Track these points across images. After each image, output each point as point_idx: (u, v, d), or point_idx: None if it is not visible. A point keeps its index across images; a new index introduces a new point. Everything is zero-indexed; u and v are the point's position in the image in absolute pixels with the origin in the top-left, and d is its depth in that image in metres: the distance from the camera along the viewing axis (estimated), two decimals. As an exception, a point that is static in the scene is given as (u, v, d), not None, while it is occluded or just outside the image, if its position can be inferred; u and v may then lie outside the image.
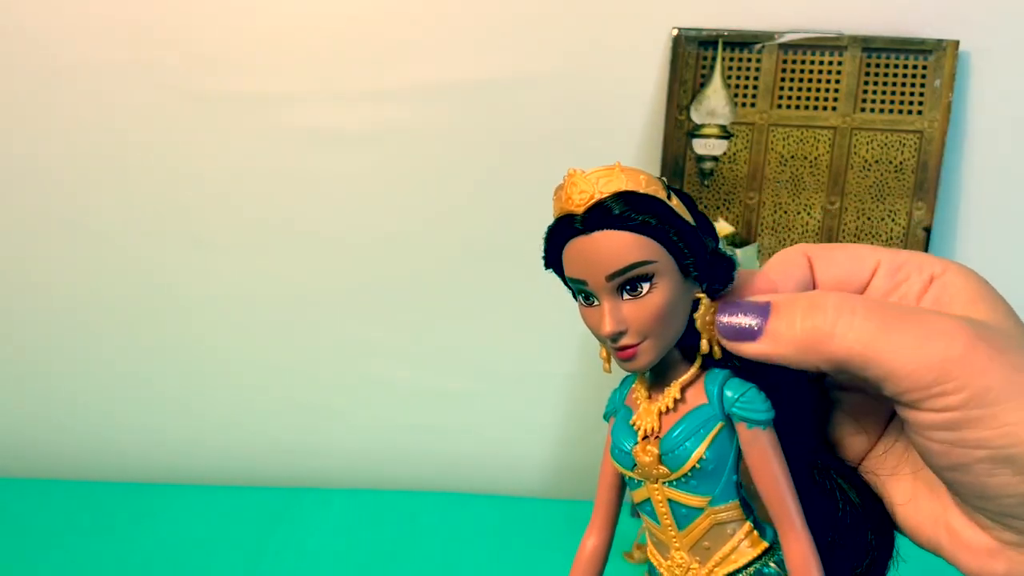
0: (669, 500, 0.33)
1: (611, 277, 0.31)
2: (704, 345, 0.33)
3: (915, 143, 0.61)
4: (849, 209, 0.62)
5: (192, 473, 0.75)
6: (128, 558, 0.65)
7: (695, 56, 0.61)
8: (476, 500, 0.72)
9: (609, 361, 0.34)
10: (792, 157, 0.62)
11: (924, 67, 0.60)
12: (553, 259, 0.34)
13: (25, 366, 0.74)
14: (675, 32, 0.61)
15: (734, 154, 0.62)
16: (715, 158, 0.62)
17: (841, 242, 0.63)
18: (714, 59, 0.61)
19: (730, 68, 0.61)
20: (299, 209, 0.68)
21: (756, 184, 0.62)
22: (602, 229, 0.31)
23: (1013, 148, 0.63)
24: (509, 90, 0.64)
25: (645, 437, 0.33)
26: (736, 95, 0.61)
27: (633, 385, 0.35)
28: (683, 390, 0.33)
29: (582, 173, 0.33)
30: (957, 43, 0.59)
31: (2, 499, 0.71)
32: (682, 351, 0.34)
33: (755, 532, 0.34)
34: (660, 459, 0.33)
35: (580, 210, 0.32)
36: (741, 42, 0.60)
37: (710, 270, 0.33)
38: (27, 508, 0.70)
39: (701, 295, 0.33)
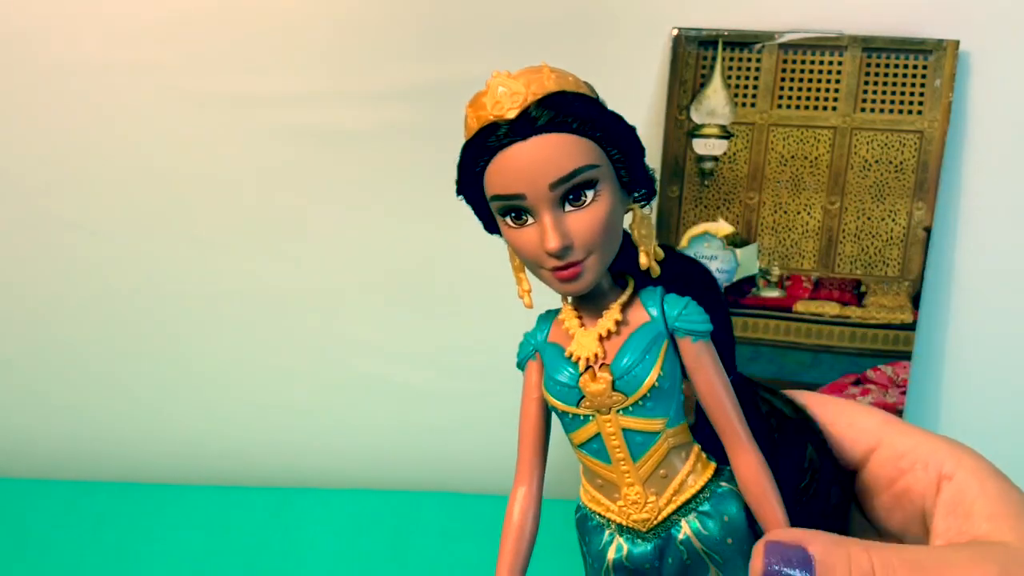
0: (624, 430, 0.31)
1: (555, 185, 0.29)
2: (643, 260, 0.31)
3: (915, 143, 0.61)
4: (849, 209, 0.62)
5: (192, 473, 0.75)
6: (128, 558, 0.65)
7: (695, 56, 0.61)
8: (476, 500, 0.72)
9: (530, 294, 0.33)
10: (792, 157, 0.62)
11: (924, 67, 0.60)
12: (468, 181, 0.31)
13: (24, 366, 0.74)
14: (675, 32, 0.61)
15: (734, 154, 0.62)
16: (715, 158, 0.62)
17: (842, 245, 0.63)
18: (714, 59, 0.61)
19: (730, 68, 0.61)
20: (299, 209, 0.68)
21: (756, 184, 0.62)
22: (542, 133, 0.29)
23: (1013, 148, 0.63)
24: (509, 90, 0.64)
25: (588, 367, 0.31)
26: (736, 95, 0.61)
27: (556, 319, 0.33)
28: (623, 311, 0.31)
29: (508, 75, 0.30)
30: (957, 43, 0.59)
31: (2, 499, 0.71)
32: (610, 273, 0.32)
33: (703, 454, 0.33)
34: (613, 385, 0.31)
35: (513, 114, 0.29)
36: (741, 42, 0.60)
37: (643, 176, 0.31)
38: (27, 508, 0.70)
39: (634, 206, 0.31)
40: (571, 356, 0.32)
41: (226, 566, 0.65)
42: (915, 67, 0.60)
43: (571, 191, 0.29)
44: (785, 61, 0.61)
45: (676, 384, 0.32)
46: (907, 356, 0.64)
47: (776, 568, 0.29)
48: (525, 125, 0.29)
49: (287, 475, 0.74)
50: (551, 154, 0.29)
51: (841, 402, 0.34)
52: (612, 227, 0.30)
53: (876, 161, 0.61)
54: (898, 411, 0.65)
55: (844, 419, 0.33)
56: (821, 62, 0.60)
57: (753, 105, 0.61)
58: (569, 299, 0.33)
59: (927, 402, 0.69)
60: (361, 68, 0.65)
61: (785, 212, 0.63)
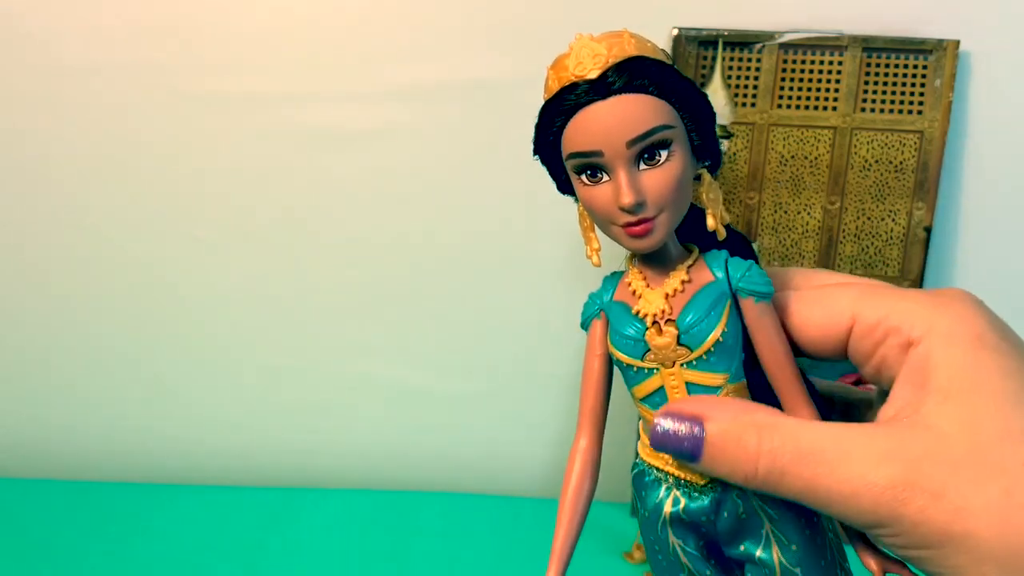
0: (687, 384, 0.32)
1: (632, 143, 0.30)
2: (711, 222, 0.33)
3: (915, 143, 0.61)
4: (849, 209, 0.62)
5: (192, 473, 0.75)
6: (128, 558, 0.65)
7: (695, 56, 0.61)
8: (476, 500, 0.72)
9: (599, 253, 0.33)
10: (792, 157, 0.62)
11: (924, 67, 0.60)
12: (545, 141, 0.32)
13: (24, 366, 0.74)
14: (675, 32, 0.61)
15: (734, 154, 0.62)
16: (715, 158, 0.62)
17: (842, 245, 0.63)
18: (714, 59, 0.61)
19: (730, 68, 0.61)
20: (299, 209, 0.68)
21: (756, 184, 0.62)
22: (621, 94, 0.30)
23: (1013, 148, 0.63)
24: (509, 90, 0.64)
25: (655, 323, 0.32)
26: (736, 95, 0.61)
27: (621, 281, 0.34)
28: (688, 271, 0.33)
29: (591, 37, 0.32)
30: (957, 43, 0.59)
31: (2, 499, 0.71)
32: (676, 234, 0.33)
33: None
34: (679, 339, 0.32)
35: (594, 75, 0.31)
36: (741, 42, 0.60)
37: (713, 144, 0.32)
38: (27, 508, 0.70)
39: (703, 171, 0.32)
40: (638, 313, 0.33)
41: (226, 566, 0.65)
42: (915, 67, 0.60)
43: (646, 150, 0.31)
44: (785, 61, 0.61)
45: (738, 342, 0.32)
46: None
47: (663, 429, 0.30)
48: (605, 85, 0.30)
49: (287, 475, 0.74)
50: (629, 113, 0.30)
51: (817, 290, 0.34)
52: (683, 187, 0.31)
53: (876, 161, 0.61)
54: None
55: (820, 306, 0.33)
56: (821, 62, 0.60)
57: (753, 105, 0.61)
58: (635, 261, 0.34)
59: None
60: (361, 68, 0.65)
61: (785, 212, 0.63)
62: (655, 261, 0.33)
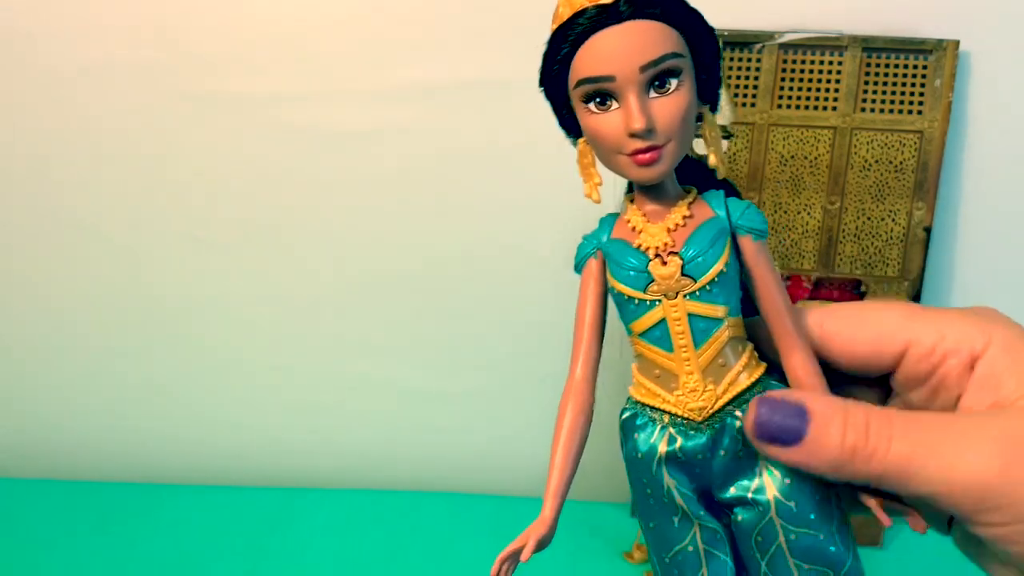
0: (689, 315, 0.32)
1: (645, 68, 0.31)
2: (713, 159, 0.33)
3: (915, 143, 0.61)
4: (849, 209, 0.62)
5: (192, 473, 0.75)
6: (128, 558, 0.65)
7: (695, 56, 0.61)
8: (476, 500, 0.72)
9: (599, 188, 0.34)
10: (792, 157, 0.62)
11: (924, 67, 0.60)
12: (551, 71, 0.32)
13: (24, 366, 0.74)
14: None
15: (734, 154, 0.62)
16: (715, 158, 0.62)
17: (842, 245, 0.63)
18: (714, 59, 0.61)
19: (730, 68, 0.61)
20: (300, 209, 0.68)
21: (756, 184, 0.62)
22: (636, 18, 0.31)
23: (1013, 148, 0.63)
24: (509, 90, 0.64)
25: (657, 255, 0.33)
26: (736, 95, 0.61)
27: (619, 220, 0.34)
28: (689, 208, 0.33)
29: None
30: (957, 43, 0.59)
31: (2, 499, 0.71)
32: (675, 175, 0.34)
33: (756, 354, 0.34)
34: (683, 269, 0.32)
35: (608, 0, 0.31)
36: (741, 42, 0.60)
37: (716, 82, 0.33)
38: (27, 508, 0.70)
39: (703, 109, 0.33)
40: (639, 247, 0.33)
41: (226, 566, 0.65)
42: (915, 67, 0.60)
43: (657, 76, 0.31)
44: (785, 61, 0.61)
45: (738, 277, 0.33)
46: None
47: (767, 420, 0.30)
48: (618, 10, 0.31)
49: (287, 475, 0.74)
50: (643, 38, 0.31)
51: (856, 310, 0.34)
52: (689, 118, 0.32)
53: (876, 161, 0.61)
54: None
55: (866, 327, 0.33)
56: (821, 62, 0.60)
57: (753, 105, 0.61)
58: (632, 201, 0.34)
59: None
60: (360, 68, 0.65)
61: (785, 212, 0.63)
62: (655, 197, 0.34)
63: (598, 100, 0.32)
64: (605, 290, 0.35)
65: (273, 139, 0.66)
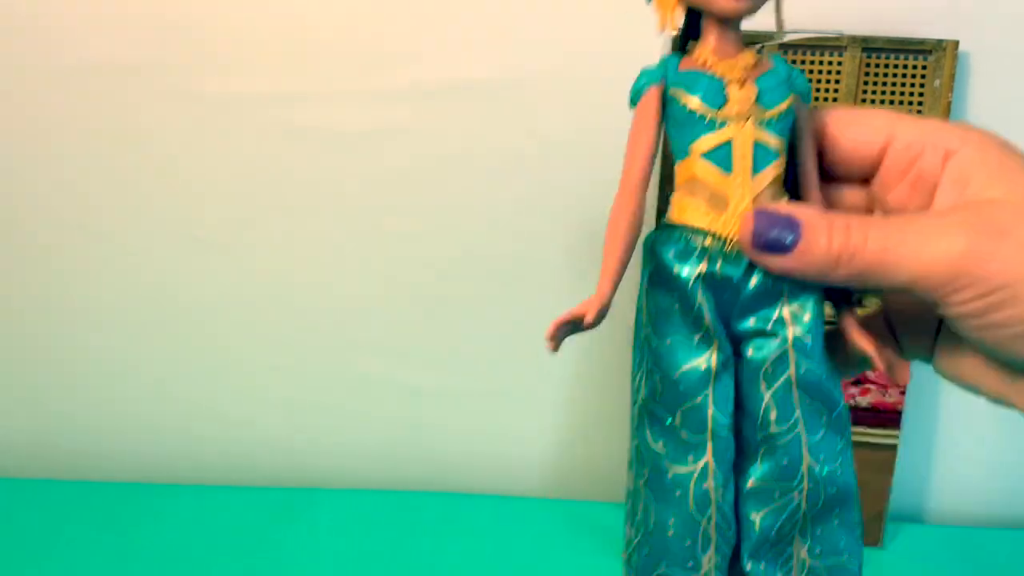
0: (755, 143, 0.34)
1: None
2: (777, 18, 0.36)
3: (915, 143, 0.61)
4: (849, 209, 0.62)
5: (192, 473, 0.75)
6: (128, 558, 0.65)
7: (695, 56, 0.61)
8: (476, 500, 0.72)
9: (673, 12, 0.36)
10: (792, 157, 0.62)
11: (924, 67, 0.60)
12: None
13: (23, 366, 0.74)
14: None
15: (734, 154, 0.62)
16: (715, 158, 0.62)
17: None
18: (714, 59, 0.61)
19: (730, 68, 0.61)
20: (300, 209, 0.68)
21: (756, 184, 0.62)
22: None
23: (1013, 148, 0.63)
24: (509, 90, 0.64)
25: (732, 83, 0.34)
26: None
27: (684, 58, 0.36)
28: (754, 56, 0.35)
29: None
30: (957, 43, 0.59)
31: (2, 499, 0.71)
32: None
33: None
34: (757, 97, 0.34)
35: None
36: (741, 42, 0.60)
37: None
38: (27, 508, 0.70)
39: None
40: (714, 73, 0.35)
41: (226, 566, 0.65)
42: (915, 67, 0.60)
43: None
44: (785, 61, 0.61)
45: (791, 123, 0.35)
46: (907, 356, 0.64)
47: (764, 230, 0.33)
48: None
49: (287, 475, 0.74)
50: None
51: (848, 109, 0.37)
52: None
53: (876, 161, 0.61)
54: (898, 411, 0.65)
55: (856, 123, 0.36)
56: (821, 62, 0.60)
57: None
58: (704, 41, 0.36)
59: (927, 402, 0.69)
60: (361, 68, 0.65)
61: (785, 212, 0.63)
62: (726, 40, 0.36)
63: None
64: (661, 119, 0.36)
65: (273, 139, 0.66)
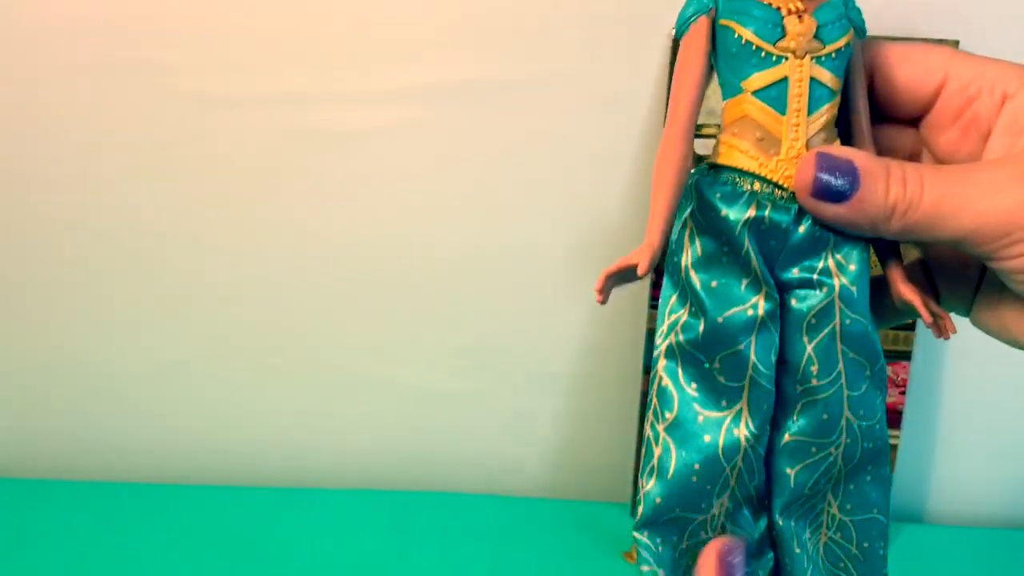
0: (811, 80, 0.32)
1: None
2: None
3: (915, 143, 0.61)
4: (849, 209, 0.62)
5: (192, 473, 0.75)
6: (128, 558, 0.65)
7: (695, 56, 0.61)
8: (476, 500, 0.72)
9: None
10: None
11: (924, 67, 0.60)
12: None
13: (23, 366, 0.74)
14: (675, 33, 0.61)
15: (734, 154, 0.62)
16: (715, 158, 0.62)
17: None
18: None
19: (730, 68, 0.61)
20: (299, 209, 0.68)
21: (756, 184, 0.62)
22: None
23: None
24: (509, 90, 0.64)
25: (791, 13, 0.32)
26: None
27: None
28: None
29: None
30: (957, 43, 0.59)
31: (2, 499, 0.71)
32: None
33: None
34: (817, 31, 0.32)
35: None
36: (741, 42, 0.60)
37: None
38: (27, 508, 0.70)
39: None
40: (770, 3, 0.33)
41: (226, 566, 0.65)
42: (915, 67, 0.60)
43: None
44: (785, 61, 0.61)
45: (848, 60, 0.33)
46: (907, 356, 0.64)
47: (825, 177, 0.31)
48: None
49: (287, 475, 0.74)
50: None
51: (905, 45, 0.36)
52: None
53: (876, 161, 0.61)
54: (898, 411, 0.65)
55: (910, 60, 0.35)
56: (821, 62, 0.60)
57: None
58: None
59: (927, 402, 0.69)
60: (361, 68, 0.65)
61: (785, 212, 0.63)
62: None
63: None
64: (710, 51, 0.34)
65: (273, 139, 0.66)
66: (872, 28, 0.60)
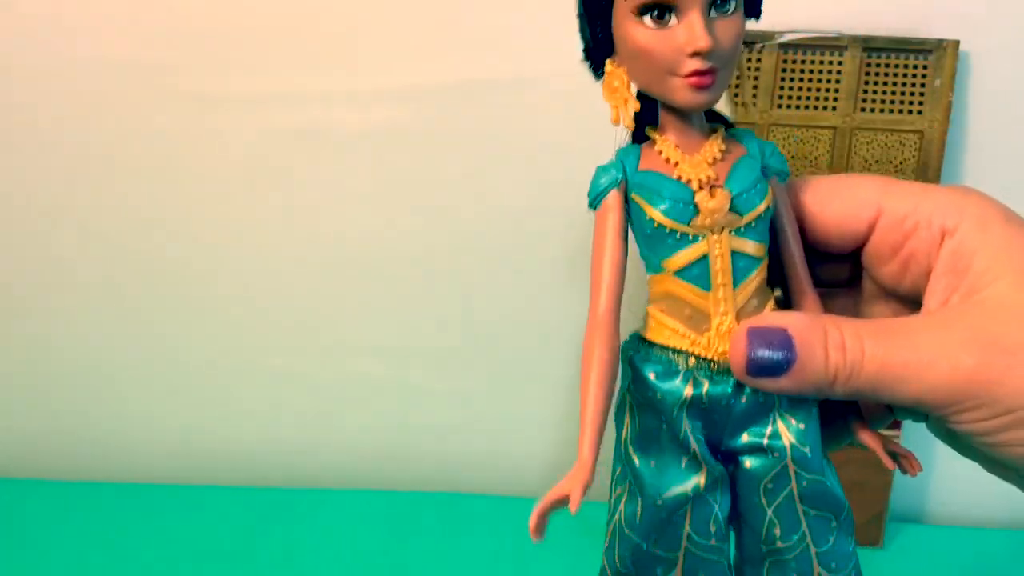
0: (732, 252, 0.31)
1: None
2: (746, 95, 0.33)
3: (915, 143, 0.61)
4: (849, 209, 0.62)
5: (192, 473, 0.75)
6: (127, 558, 0.65)
7: (695, 56, 0.61)
8: (476, 500, 0.72)
9: (630, 113, 0.31)
10: (792, 157, 0.62)
11: (924, 67, 0.60)
12: None
13: (23, 366, 0.74)
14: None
15: (734, 154, 0.62)
16: (715, 158, 0.62)
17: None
18: (714, 59, 0.61)
19: (730, 68, 0.61)
20: (299, 209, 0.68)
21: (756, 184, 0.62)
22: None
23: (1013, 148, 0.63)
24: (509, 90, 0.64)
25: (701, 188, 0.31)
26: (736, 95, 0.61)
27: (646, 152, 0.32)
28: (722, 141, 0.32)
29: None
30: (957, 43, 0.59)
31: (2, 499, 0.71)
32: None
33: (775, 299, 0.33)
34: (732, 203, 0.31)
35: None
36: (741, 42, 0.60)
37: (759, 7, 0.32)
38: (27, 508, 0.70)
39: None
40: (680, 178, 0.31)
41: (226, 566, 0.65)
42: (915, 67, 0.60)
43: None
44: (785, 61, 0.61)
45: (769, 220, 0.32)
46: (907, 356, 0.64)
47: (759, 353, 0.30)
48: None
49: (287, 475, 0.74)
50: None
51: (834, 179, 0.34)
52: (740, 46, 0.31)
53: (876, 161, 0.61)
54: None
55: (839, 197, 0.33)
56: (821, 62, 0.60)
57: (753, 105, 0.61)
58: (659, 133, 0.33)
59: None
60: (361, 68, 0.65)
61: (785, 212, 0.63)
62: (687, 130, 0.32)
63: (655, 13, 0.29)
64: (626, 226, 0.33)
65: (273, 139, 0.66)
66: (872, 28, 0.60)
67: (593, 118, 0.64)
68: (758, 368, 0.30)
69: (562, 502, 0.31)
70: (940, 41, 0.59)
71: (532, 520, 0.32)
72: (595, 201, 0.33)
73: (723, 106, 0.34)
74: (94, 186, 0.68)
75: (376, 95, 0.65)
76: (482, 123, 0.65)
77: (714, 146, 0.32)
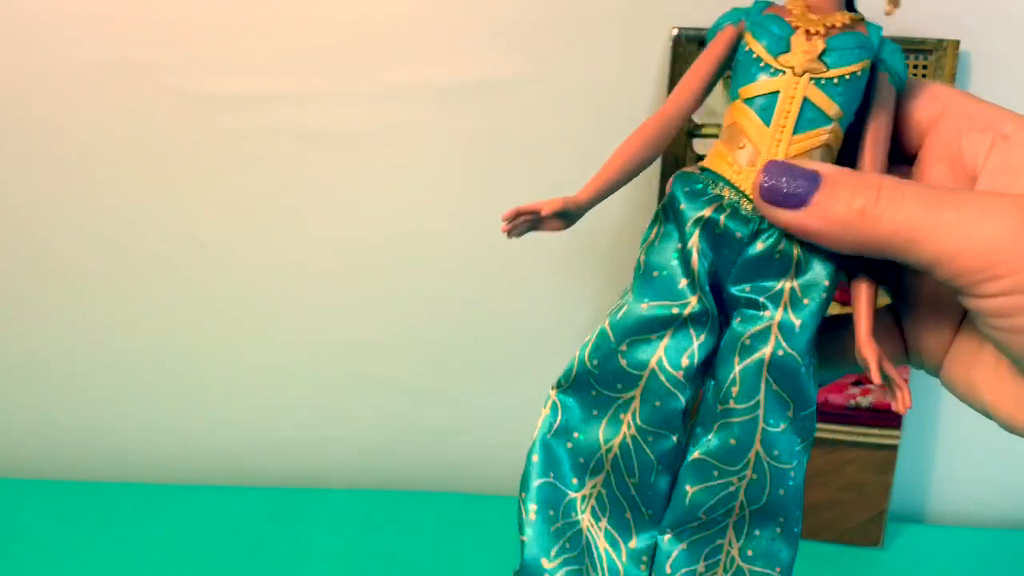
0: (804, 99, 0.32)
1: None
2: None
3: (915, 143, 0.61)
4: (849, 209, 0.62)
5: (192, 473, 0.75)
6: (128, 558, 0.65)
7: (695, 56, 0.61)
8: (476, 500, 0.72)
9: None
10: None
11: (924, 67, 0.60)
12: None
13: (23, 366, 0.74)
14: (675, 32, 0.61)
15: (734, 154, 0.62)
16: (715, 158, 0.62)
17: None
18: (714, 59, 0.61)
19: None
20: (299, 209, 0.68)
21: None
22: None
23: (1013, 148, 0.63)
24: (509, 90, 0.64)
25: (804, 32, 0.32)
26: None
27: (774, 6, 0.33)
28: (850, 19, 0.33)
29: None
30: (957, 43, 0.59)
31: (2, 499, 0.71)
32: None
33: None
34: (823, 53, 0.32)
35: None
36: (741, 42, 0.60)
37: None
38: (27, 508, 0.70)
39: None
40: (791, 23, 0.32)
41: (226, 566, 0.65)
42: (915, 67, 0.60)
43: None
44: (785, 61, 0.60)
45: (859, 99, 0.32)
46: (907, 356, 0.64)
47: (775, 179, 0.30)
48: None
49: (287, 475, 0.74)
50: None
51: (915, 80, 0.34)
52: None
53: (876, 161, 0.61)
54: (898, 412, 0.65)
55: (913, 92, 0.34)
56: (821, 62, 0.60)
57: (753, 105, 0.61)
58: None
59: (927, 402, 0.69)
60: (361, 68, 0.65)
61: (785, 212, 0.63)
62: (823, 2, 0.33)
63: None
64: (726, 59, 0.34)
65: (273, 139, 0.66)
66: (872, 28, 0.60)
67: (593, 118, 0.65)
68: (770, 192, 0.30)
69: (537, 214, 0.32)
70: (940, 41, 0.59)
71: (510, 211, 0.32)
72: (711, 33, 0.34)
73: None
74: (93, 186, 0.68)
75: (378, 95, 0.65)
76: (483, 123, 0.65)
77: (841, 18, 0.33)
